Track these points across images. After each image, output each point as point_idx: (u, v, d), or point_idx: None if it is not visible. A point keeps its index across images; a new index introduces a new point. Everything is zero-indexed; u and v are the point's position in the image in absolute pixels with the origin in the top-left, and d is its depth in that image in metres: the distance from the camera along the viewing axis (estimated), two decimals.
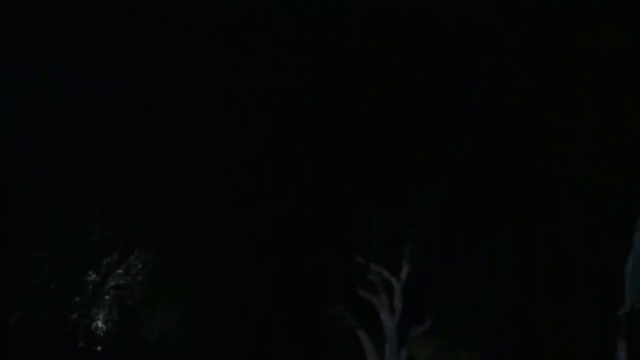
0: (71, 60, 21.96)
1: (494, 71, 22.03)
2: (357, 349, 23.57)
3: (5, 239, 22.10)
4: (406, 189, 22.81)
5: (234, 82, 22.46)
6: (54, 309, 22.62)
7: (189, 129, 22.66)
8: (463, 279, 22.43)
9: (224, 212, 22.97)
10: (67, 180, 22.45)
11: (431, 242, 22.82)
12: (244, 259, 22.96)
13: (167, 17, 22.14)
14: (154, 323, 23.86)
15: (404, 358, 23.32)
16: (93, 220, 22.89)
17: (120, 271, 23.31)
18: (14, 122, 21.99)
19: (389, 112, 22.67)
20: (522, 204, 22.26)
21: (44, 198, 22.42)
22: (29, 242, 22.50)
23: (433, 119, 22.48)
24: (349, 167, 22.76)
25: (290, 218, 23.07)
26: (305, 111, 22.71)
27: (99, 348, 23.56)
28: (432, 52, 22.27)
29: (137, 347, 23.84)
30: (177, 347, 23.99)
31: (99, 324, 23.37)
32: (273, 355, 23.71)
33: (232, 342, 23.46)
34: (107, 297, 23.28)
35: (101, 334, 23.45)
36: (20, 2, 22.01)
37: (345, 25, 22.41)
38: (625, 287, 14.65)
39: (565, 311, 21.21)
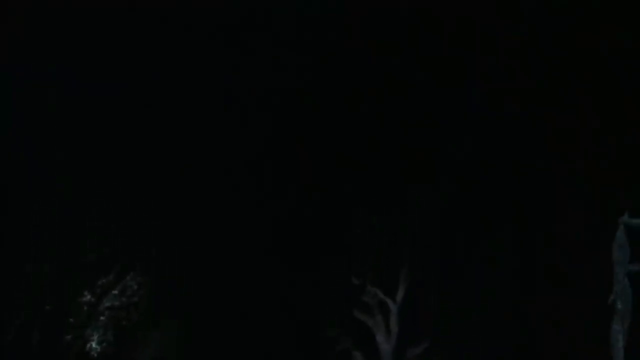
0: (71, 60, 21.95)
1: (494, 71, 22.05)
2: None
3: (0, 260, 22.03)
4: (406, 189, 22.79)
5: (234, 82, 22.46)
6: (49, 330, 22.49)
7: (189, 129, 22.65)
8: (462, 285, 22.40)
9: (222, 224, 22.91)
10: (64, 202, 22.35)
11: (431, 242, 22.79)
12: (241, 279, 22.90)
13: (167, 17, 22.15)
14: (149, 345, 23.67)
15: None
16: (89, 241, 22.78)
17: (115, 292, 23.15)
18: (14, 122, 21.98)
19: (389, 112, 22.68)
20: (522, 204, 22.27)
21: (41, 219, 22.32)
22: (24, 263, 22.39)
23: (433, 119, 22.48)
24: (349, 167, 22.75)
25: (290, 219, 23.07)
26: (305, 111, 22.71)
27: None
28: (432, 52, 22.29)
29: None
30: None
31: (94, 344, 23.15)
32: None
33: None
34: (102, 318, 23.09)
35: (95, 355, 23.23)
36: (20, 2, 22.02)
37: (345, 25, 22.43)
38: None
39: (565, 311, 21.23)
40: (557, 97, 21.84)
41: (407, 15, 22.25)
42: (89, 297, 22.94)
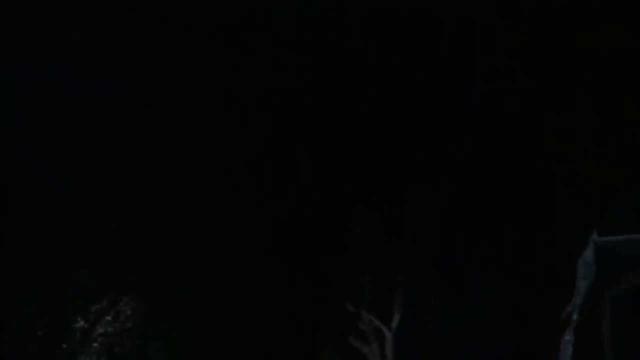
0: (71, 60, 21.96)
1: (494, 71, 22.03)
2: None
3: None
4: (406, 189, 22.78)
5: (234, 82, 22.46)
6: (41, 356, 22.35)
7: (188, 129, 22.64)
8: (462, 286, 22.38)
9: (220, 226, 22.85)
10: (55, 224, 22.27)
11: (430, 242, 22.78)
12: (235, 304, 22.84)
13: (167, 17, 22.15)
14: None
15: None
16: (82, 265, 22.65)
17: (109, 318, 22.99)
18: (14, 122, 21.97)
19: (389, 112, 22.68)
20: (522, 204, 22.25)
21: (32, 241, 22.22)
22: (14, 288, 22.28)
23: (433, 119, 22.47)
24: (349, 167, 22.75)
25: (290, 219, 23.05)
26: (305, 111, 22.71)
27: None
28: (432, 52, 22.28)
29: None
30: None
31: None
32: None
33: None
34: (95, 344, 22.97)
35: None
36: (20, 2, 22.02)
37: (345, 25, 22.43)
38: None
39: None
40: (557, 97, 21.81)
41: (407, 15, 22.24)
42: (82, 323, 22.82)
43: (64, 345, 22.63)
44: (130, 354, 23.27)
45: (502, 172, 22.27)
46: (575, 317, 14.51)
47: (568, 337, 14.69)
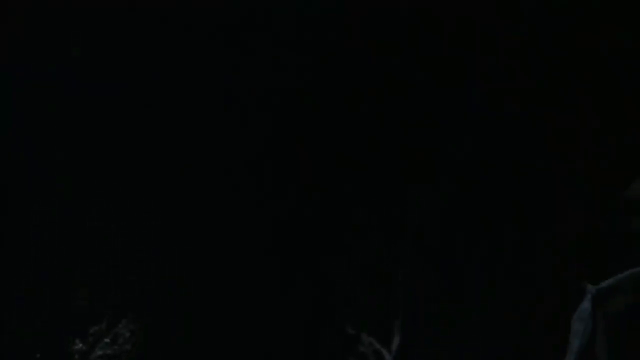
0: (71, 60, 21.98)
1: (494, 71, 22.06)
2: None
3: None
4: (406, 189, 22.78)
5: (234, 82, 22.48)
6: None
7: (188, 130, 22.65)
8: (462, 286, 22.38)
9: (220, 229, 22.82)
10: (52, 243, 22.24)
11: (430, 242, 22.77)
12: (235, 327, 22.79)
13: (167, 17, 22.18)
14: None
15: None
16: (80, 287, 22.62)
17: (107, 340, 22.93)
18: (14, 122, 21.98)
19: (389, 112, 22.69)
20: (522, 204, 22.28)
21: (30, 261, 22.17)
22: (13, 311, 22.23)
23: (433, 119, 22.48)
24: (349, 167, 22.75)
25: (290, 219, 23.03)
26: (305, 111, 22.72)
27: None
28: (432, 52, 22.30)
29: None
30: None
31: None
32: None
33: None
34: None
35: None
36: (20, 2, 22.05)
37: (345, 25, 22.44)
38: None
39: (566, 311, 21.21)
40: (557, 97, 21.85)
41: (407, 15, 22.27)
42: (80, 345, 22.78)
43: None
44: None
45: (502, 172, 22.28)
46: None
47: None
